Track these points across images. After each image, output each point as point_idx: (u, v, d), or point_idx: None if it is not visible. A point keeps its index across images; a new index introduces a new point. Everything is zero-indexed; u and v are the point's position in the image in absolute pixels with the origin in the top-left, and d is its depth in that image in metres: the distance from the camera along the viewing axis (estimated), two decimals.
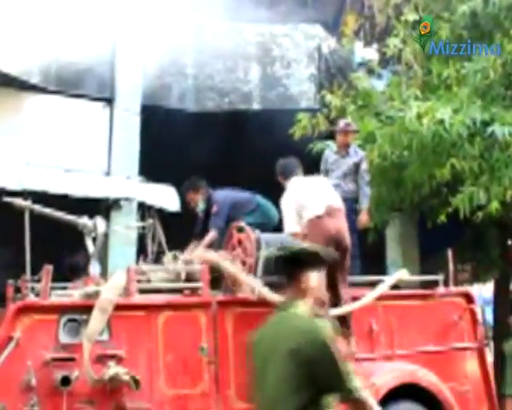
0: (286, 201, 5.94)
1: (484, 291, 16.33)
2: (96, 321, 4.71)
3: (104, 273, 9.10)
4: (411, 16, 10.20)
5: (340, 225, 5.81)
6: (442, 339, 6.21)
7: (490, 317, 13.13)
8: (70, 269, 6.47)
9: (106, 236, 7.48)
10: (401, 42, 10.34)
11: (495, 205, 8.46)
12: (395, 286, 6.33)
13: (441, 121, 8.48)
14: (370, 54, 12.43)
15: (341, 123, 8.00)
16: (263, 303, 5.29)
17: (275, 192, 7.05)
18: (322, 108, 10.91)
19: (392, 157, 9.34)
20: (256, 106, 11.80)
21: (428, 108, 8.66)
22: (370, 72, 11.92)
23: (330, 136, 9.30)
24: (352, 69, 12.25)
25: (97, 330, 4.70)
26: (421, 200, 10.16)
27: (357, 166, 7.44)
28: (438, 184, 9.47)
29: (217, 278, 5.57)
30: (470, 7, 9.39)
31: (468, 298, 6.57)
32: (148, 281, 5.64)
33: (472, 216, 8.85)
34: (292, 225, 5.75)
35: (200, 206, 7.39)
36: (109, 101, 11.09)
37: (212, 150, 11.15)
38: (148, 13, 11.78)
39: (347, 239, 5.81)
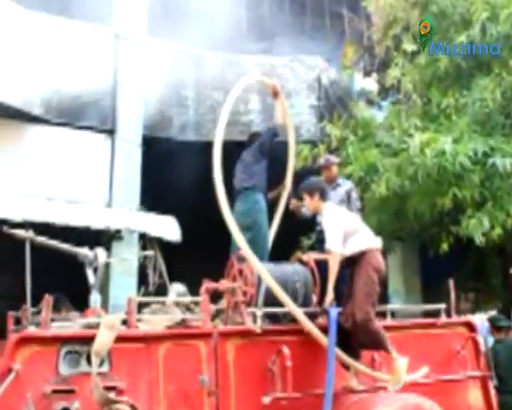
0: (335, 218, 5.85)
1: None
2: (104, 336, 4.66)
3: (105, 304, 9.11)
4: (410, 47, 10.30)
5: None
6: (444, 369, 6.15)
7: None
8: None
9: (107, 266, 7.47)
10: (400, 72, 10.43)
11: (497, 231, 8.47)
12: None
13: (443, 152, 8.53)
14: (370, 84, 12.52)
15: (322, 160, 8.04)
16: (264, 334, 5.28)
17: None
18: (322, 139, 10.96)
19: (395, 187, 9.35)
20: None
21: (430, 139, 8.71)
22: (370, 102, 12.01)
23: None
24: (352, 99, 12.33)
25: (105, 344, 4.65)
26: (422, 229, 10.17)
27: (348, 195, 7.48)
28: (439, 213, 9.48)
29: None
30: (468, 37, 9.47)
31: (471, 327, 6.52)
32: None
33: (480, 242, 8.83)
34: (337, 244, 5.72)
35: None
36: (111, 132, 11.17)
37: (213, 181, 11.15)
38: (149, 45, 11.91)
39: None
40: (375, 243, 5.89)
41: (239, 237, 5.59)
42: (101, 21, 11.68)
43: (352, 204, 7.44)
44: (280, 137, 7.20)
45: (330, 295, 5.55)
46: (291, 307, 5.37)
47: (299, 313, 5.39)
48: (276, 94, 7.26)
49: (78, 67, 11.01)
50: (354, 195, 7.58)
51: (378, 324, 5.53)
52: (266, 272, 5.43)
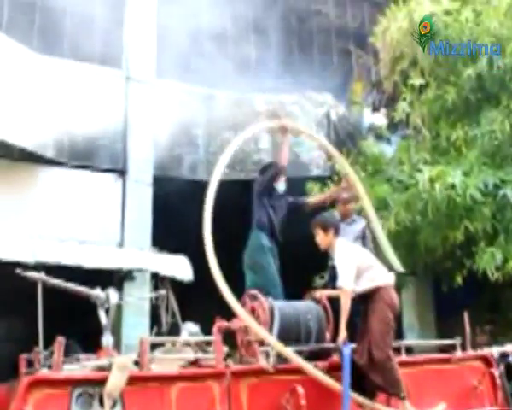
0: (347, 255, 5.84)
1: None
2: (115, 378, 4.63)
3: (117, 345, 9.07)
4: (418, 81, 10.35)
5: None
6: (461, 404, 6.06)
7: None
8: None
9: (119, 307, 7.47)
10: (408, 106, 10.47)
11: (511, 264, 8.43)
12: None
13: (453, 186, 8.51)
14: (379, 119, 12.56)
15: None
16: (277, 373, 5.23)
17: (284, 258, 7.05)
18: (332, 176, 10.96)
19: (406, 222, 9.32)
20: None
21: (439, 172, 8.71)
22: (379, 137, 12.03)
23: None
24: (362, 135, 12.36)
25: (117, 386, 4.62)
26: (434, 263, 10.11)
27: (363, 232, 7.46)
28: (451, 247, 9.42)
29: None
30: (475, 70, 9.51)
31: (487, 361, 6.45)
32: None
33: (492, 276, 8.75)
34: (350, 281, 5.68)
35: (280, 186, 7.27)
36: (121, 173, 11.24)
37: (225, 220, 11.16)
38: (159, 86, 12.03)
39: None
40: (388, 278, 5.84)
41: (222, 285, 5.56)
42: (111, 64, 11.84)
43: (367, 241, 7.42)
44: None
45: (343, 333, 5.51)
46: (294, 358, 5.30)
47: (305, 363, 5.33)
48: (284, 131, 7.23)
49: (89, 110, 11.13)
50: (368, 233, 7.57)
51: (396, 365, 5.46)
52: (248, 317, 5.42)
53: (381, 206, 9.71)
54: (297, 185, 10.42)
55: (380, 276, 5.82)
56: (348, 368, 5.30)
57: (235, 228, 10.86)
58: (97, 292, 5.89)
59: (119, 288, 9.79)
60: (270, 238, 6.90)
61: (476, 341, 8.84)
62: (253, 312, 5.81)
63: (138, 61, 12.06)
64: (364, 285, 5.72)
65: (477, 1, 10.15)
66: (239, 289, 6.28)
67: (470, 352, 6.47)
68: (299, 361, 5.25)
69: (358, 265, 5.77)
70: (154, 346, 5.63)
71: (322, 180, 10.83)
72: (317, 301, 6.10)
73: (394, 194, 9.69)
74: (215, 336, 5.38)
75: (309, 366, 5.27)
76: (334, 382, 5.30)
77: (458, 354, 6.34)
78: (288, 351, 5.25)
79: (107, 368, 4.79)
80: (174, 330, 8.10)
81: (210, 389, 5.04)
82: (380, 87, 12.82)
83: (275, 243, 6.93)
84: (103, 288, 6.01)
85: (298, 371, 5.42)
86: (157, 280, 10.27)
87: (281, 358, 5.46)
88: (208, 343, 5.82)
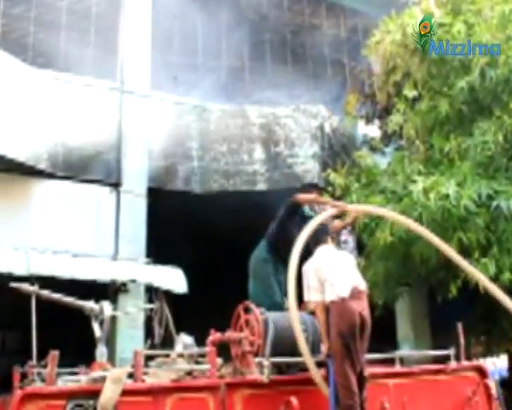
0: (309, 268, 5.76)
1: (499, 364, 16.05)
2: (110, 390, 4.62)
3: (112, 357, 9.04)
4: (411, 93, 10.39)
5: (364, 306, 5.56)
6: None
7: None
8: None
9: (113, 319, 7.45)
10: (402, 118, 10.51)
11: (507, 276, 8.41)
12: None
13: (446, 196, 8.53)
14: (372, 131, 12.60)
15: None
16: (272, 385, 5.22)
17: None
18: (326, 187, 10.98)
19: (400, 233, 9.31)
20: (261, 186, 11.89)
21: (433, 183, 8.73)
22: (373, 148, 12.06)
23: None
24: (355, 147, 12.39)
25: (112, 398, 4.60)
26: (429, 273, 10.11)
27: (344, 240, 7.43)
28: (445, 257, 9.42)
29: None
30: (468, 82, 9.54)
31: (482, 372, 6.44)
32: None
33: (482, 290, 8.75)
34: (313, 293, 5.64)
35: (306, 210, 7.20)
36: (116, 185, 11.23)
37: (219, 232, 11.19)
38: (153, 98, 12.05)
39: (369, 321, 5.58)
40: (341, 291, 5.49)
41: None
42: (105, 76, 11.86)
43: (350, 247, 7.38)
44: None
45: (325, 344, 5.49)
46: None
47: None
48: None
49: (83, 122, 11.15)
50: (351, 244, 7.52)
51: (344, 391, 5.23)
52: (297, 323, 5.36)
53: (376, 217, 9.72)
54: (290, 196, 10.44)
55: (332, 290, 5.54)
56: (333, 379, 5.26)
57: (231, 236, 10.87)
58: (91, 304, 5.88)
59: (114, 300, 9.77)
60: (275, 251, 6.83)
61: (471, 351, 8.81)
62: (247, 323, 5.80)
63: (133, 73, 12.09)
64: (327, 297, 5.61)
65: (469, 13, 10.20)
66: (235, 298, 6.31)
67: (465, 362, 6.47)
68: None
69: (319, 278, 5.67)
70: (148, 358, 5.62)
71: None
72: (313, 313, 6.09)
73: (388, 205, 9.68)
74: (209, 348, 5.37)
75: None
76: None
77: (453, 364, 6.33)
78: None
79: (102, 381, 4.78)
80: (169, 343, 8.07)
81: (204, 401, 5.03)
82: (373, 99, 12.85)
83: (281, 258, 6.85)
84: (97, 300, 6.00)
85: (292, 382, 5.42)
86: (151, 292, 10.26)
87: (275, 370, 5.46)
88: (203, 355, 5.81)
